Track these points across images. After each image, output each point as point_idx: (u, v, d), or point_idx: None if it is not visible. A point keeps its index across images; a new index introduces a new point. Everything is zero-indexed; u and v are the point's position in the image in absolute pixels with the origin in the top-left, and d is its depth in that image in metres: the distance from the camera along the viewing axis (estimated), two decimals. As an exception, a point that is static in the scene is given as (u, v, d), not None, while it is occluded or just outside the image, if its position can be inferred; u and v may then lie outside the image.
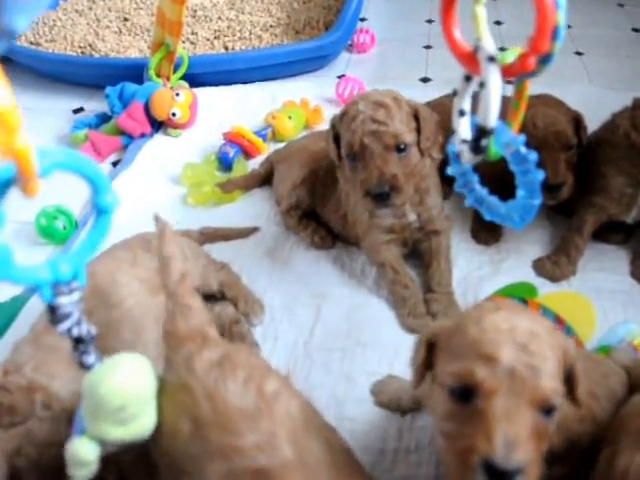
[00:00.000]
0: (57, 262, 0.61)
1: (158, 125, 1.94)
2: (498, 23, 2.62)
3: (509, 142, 0.76)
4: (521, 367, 0.65)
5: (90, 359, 0.67)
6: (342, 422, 1.10)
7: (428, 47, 2.45)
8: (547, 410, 0.66)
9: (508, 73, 0.71)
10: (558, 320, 1.21)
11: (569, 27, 2.63)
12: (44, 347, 1.00)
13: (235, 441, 0.67)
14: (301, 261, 1.46)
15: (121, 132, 1.89)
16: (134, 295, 1.11)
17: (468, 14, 0.71)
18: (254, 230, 1.54)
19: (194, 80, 2.04)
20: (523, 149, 0.75)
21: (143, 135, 1.89)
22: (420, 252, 1.40)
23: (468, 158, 0.79)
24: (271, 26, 2.47)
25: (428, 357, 0.77)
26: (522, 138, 0.75)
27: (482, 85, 0.71)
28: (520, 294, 1.27)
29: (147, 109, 1.89)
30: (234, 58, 2.11)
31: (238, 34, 2.41)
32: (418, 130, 1.25)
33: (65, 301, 0.63)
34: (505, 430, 0.62)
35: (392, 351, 1.24)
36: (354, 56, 2.43)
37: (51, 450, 0.84)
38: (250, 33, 2.41)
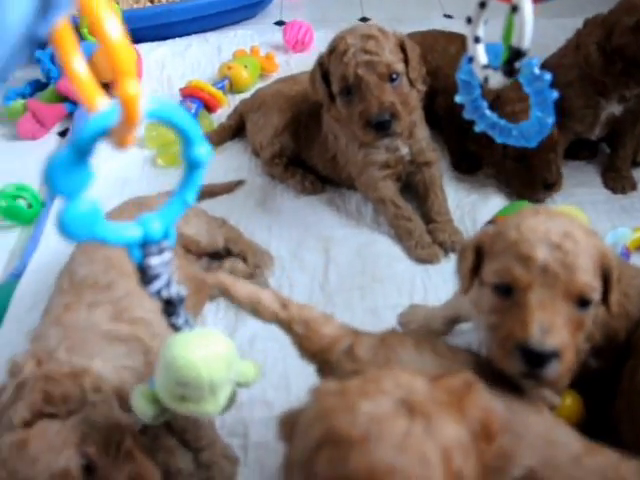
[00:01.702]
0: (148, 220, 0.59)
1: (103, 86, 1.84)
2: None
3: (523, 64, 0.78)
4: (554, 264, 0.71)
5: (179, 320, 0.66)
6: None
7: (359, -14, 2.46)
8: (582, 302, 0.73)
9: None
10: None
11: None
12: (70, 327, 0.95)
13: None
14: (295, 208, 1.47)
15: (63, 98, 1.78)
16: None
17: None
18: (240, 183, 1.52)
19: (129, 36, 1.94)
20: (537, 70, 0.79)
21: (88, 99, 1.79)
22: (414, 185, 1.45)
23: (498, 81, 0.81)
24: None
25: (476, 262, 0.82)
26: (536, 59, 0.79)
27: (514, 9, 0.73)
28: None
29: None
30: (170, 10, 2.03)
31: (160, -15, 2.31)
32: (405, 61, 1.28)
33: (155, 262, 0.61)
34: (540, 318, 0.70)
35: (409, 283, 1.29)
36: (286, 1, 2.40)
37: (114, 431, 0.82)
38: (173, -17, 2.32)
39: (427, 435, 0.53)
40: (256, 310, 0.87)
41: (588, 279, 0.73)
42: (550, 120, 0.85)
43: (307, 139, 1.48)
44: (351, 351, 0.79)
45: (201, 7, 2.06)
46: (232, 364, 0.71)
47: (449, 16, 2.27)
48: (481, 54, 0.83)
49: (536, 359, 0.71)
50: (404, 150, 1.38)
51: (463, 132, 1.44)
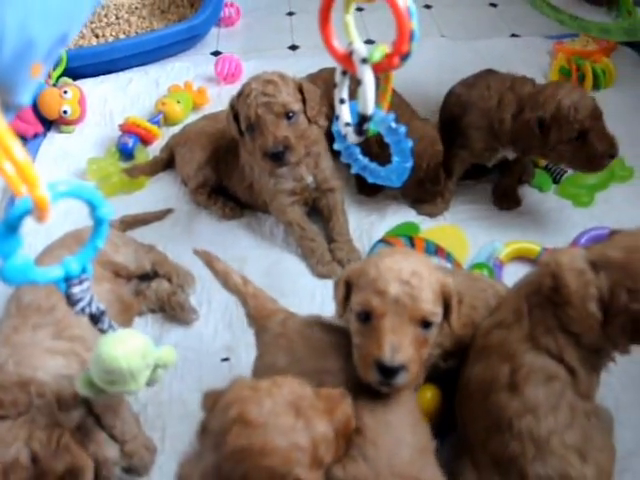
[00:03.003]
0: (69, 262, 0.84)
1: (49, 123, 2.08)
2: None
3: (381, 120, 0.99)
4: (403, 296, 0.96)
5: (104, 326, 0.91)
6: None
7: (291, 14, 2.70)
8: (425, 325, 0.98)
9: (378, 70, 0.92)
10: (439, 249, 1.56)
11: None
12: (18, 345, 1.19)
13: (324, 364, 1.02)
14: (216, 232, 1.71)
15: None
16: (84, 285, 1.33)
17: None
18: (169, 211, 1.76)
19: (74, 73, 2.17)
20: (394, 124, 0.97)
21: (36, 135, 2.02)
22: (319, 209, 1.70)
23: (353, 138, 1.01)
24: (136, 8, 2.62)
25: (346, 292, 1.06)
26: (392, 115, 0.99)
27: (359, 82, 0.92)
28: (406, 232, 1.61)
29: (35, 109, 2.02)
30: (112, 48, 2.27)
31: (105, 20, 2.54)
32: (304, 101, 1.53)
33: (77, 290, 0.86)
34: (391, 340, 0.94)
35: (309, 296, 1.54)
36: (223, 30, 2.63)
37: (55, 429, 1.08)
38: (117, 17, 2.55)
39: (304, 430, 0.81)
40: (225, 281, 1.29)
41: (429, 307, 0.97)
42: (408, 165, 1.04)
43: (227, 170, 1.73)
44: (284, 322, 1.15)
45: (142, 43, 2.29)
46: (147, 354, 0.96)
47: (371, 41, 2.52)
48: (345, 113, 1.00)
49: (388, 372, 0.94)
50: (309, 179, 1.63)
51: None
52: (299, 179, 1.62)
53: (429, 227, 1.68)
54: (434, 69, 2.28)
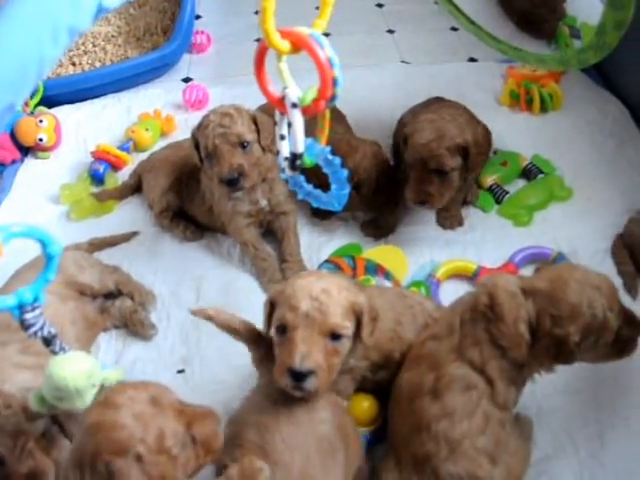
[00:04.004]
0: (22, 291, 1.01)
1: (26, 149, 2.25)
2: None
3: (319, 153, 1.08)
4: (313, 311, 1.13)
5: (56, 348, 1.08)
6: (230, 370, 1.57)
7: (259, 40, 2.85)
8: (334, 337, 1.15)
9: (307, 112, 1.03)
10: (379, 268, 1.72)
11: (380, 6, 3.16)
12: None
13: None
14: (178, 253, 1.89)
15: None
16: (49, 306, 1.49)
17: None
18: (135, 234, 1.94)
19: (51, 101, 2.35)
20: (330, 156, 1.07)
21: (14, 161, 2.19)
22: (274, 230, 1.87)
23: (289, 172, 1.12)
24: (112, 36, 2.80)
25: (271, 311, 1.23)
26: (329, 148, 1.07)
27: (289, 124, 1.05)
28: (349, 253, 1.78)
29: (12, 136, 2.19)
30: (87, 77, 2.45)
31: (82, 47, 2.71)
32: (259, 132, 1.70)
33: (29, 316, 1.03)
34: (301, 349, 1.11)
35: (260, 312, 1.69)
36: (194, 57, 2.80)
37: (21, 436, 1.24)
38: (94, 45, 2.73)
39: (155, 418, 0.97)
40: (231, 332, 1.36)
41: (337, 320, 1.14)
42: (345, 192, 1.15)
43: (188, 195, 1.90)
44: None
45: (115, 72, 2.47)
46: (93, 375, 1.11)
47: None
48: (284, 148, 1.06)
49: (298, 376, 1.12)
50: (263, 202, 1.80)
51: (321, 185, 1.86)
52: (255, 202, 1.79)
53: (372, 247, 1.85)
54: (390, 94, 2.45)
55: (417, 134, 1.75)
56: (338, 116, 2.14)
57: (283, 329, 1.16)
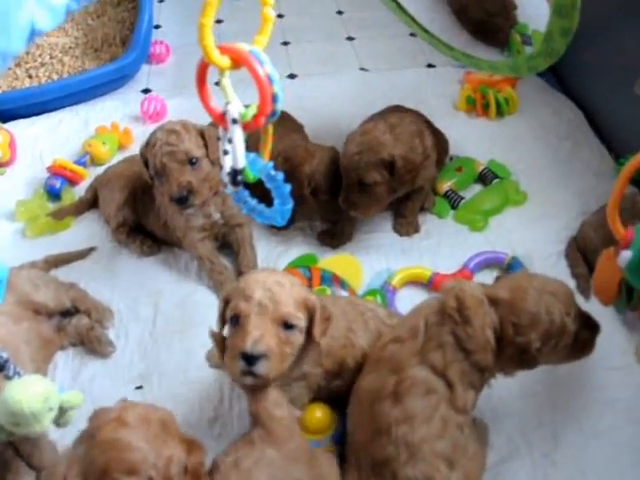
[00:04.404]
0: None
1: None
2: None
3: (262, 168, 1.10)
4: (266, 300, 1.17)
5: (9, 373, 1.09)
6: (187, 384, 1.59)
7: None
8: (287, 326, 1.19)
9: (247, 128, 1.06)
10: (335, 278, 1.75)
11: (340, 13, 3.19)
12: None
13: None
14: (135, 268, 1.89)
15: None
16: (1, 327, 1.50)
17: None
18: (91, 250, 1.94)
19: (5, 115, 2.34)
20: (273, 172, 1.09)
21: (-31, 177, 2.18)
22: (229, 243, 1.89)
23: (231, 187, 1.15)
24: (70, 47, 2.79)
25: (225, 309, 1.25)
26: (271, 164, 1.09)
27: (229, 141, 1.07)
28: (305, 263, 1.80)
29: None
30: (44, 90, 2.44)
31: (39, 59, 2.69)
32: (207, 146, 1.72)
33: None
34: (253, 334, 1.14)
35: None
36: (153, 67, 2.80)
37: None
38: (51, 57, 2.71)
39: (165, 445, 1.02)
40: None
41: (288, 310, 1.19)
42: (288, 207, 1.16)
43: (144, 210, 1.91)
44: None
45: (72, 85, 2.46)
46: (50, 398, 1.13)
47: (293, 75, 2.73)
48: (227, 163, 1.08)
49: (250, 359, 1.15)
50: (217, 216, 1.82)
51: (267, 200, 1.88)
52: (208, 216, 1.81)
53: (328, 257, 1.87)
54: (349, 102, 2.48)
55: (347, 144, 1.82)
56: (295, 126, 2.17)
57: (236, 319, 1.19)
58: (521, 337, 1.24)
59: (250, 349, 1.14)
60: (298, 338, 1.22)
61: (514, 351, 1.25)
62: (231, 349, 1.19)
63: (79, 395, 1.24)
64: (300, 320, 1.21)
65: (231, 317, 1.21)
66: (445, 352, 1.24)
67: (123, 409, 1.05)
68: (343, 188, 1.81)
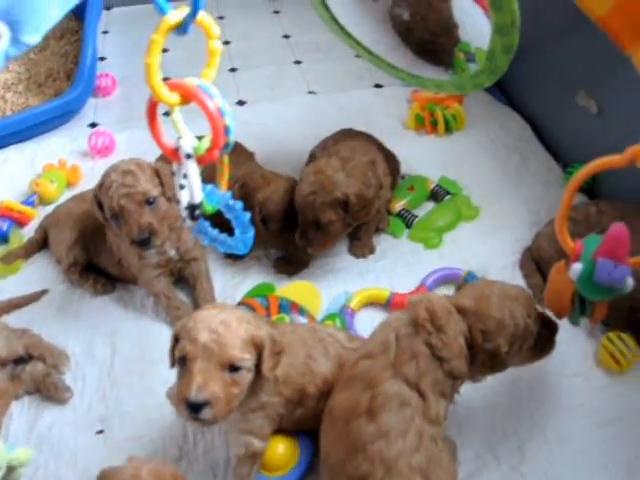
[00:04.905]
0: None
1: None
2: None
3: (220, 199, 1.11)
4: (211, 343, 1.16)
5: None
6: (149, 424, 1.57)
7: (166, 79, 2.86)
8: (232, 369, 1.18)
9: (201, 162, 1.03)
10: (293, 305, 1.76)
11: (287, 37, 3.23)
12: None
13: None
14: (90, 309, 1.86)
15: None
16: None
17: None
18: (43, 293, 1.90)
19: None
20: (231, 202, 1.12)
21: None
22: (185, 277, 1.88)
23: (189, 222, 1.14)
24: (12, 84, 2.75)
25: (175, 347, 1.24)
26: (229, 194, 1.11)
27: (185, 175, 1.06)
28: (262, 293, 1.80)
29: None
30: (-14, 128, 2.40)
31: (-19, 97, 2.67)
32: (162, 184, 1.71)
33: None
34: (197, 380, 1.14)
35: (177, 361, 1.71)
36: (100, 100, 2.78)
37: None
38: (-7, 95, 2.68)
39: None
40: None
41: (235, 352, 1.18)
42: (250, 234, 1.19)
43: (96, 248, 1.89)
44: None
45: (16, 122, 2.42)
46: None
47: (242, 102, 2.74)
48: (184, 198, 1.08)
49: (194, 407, 1.15)
50: (172, 252, 1.80)
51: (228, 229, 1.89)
52: (163, 253, 1.79)
53: (285, 284, 1.88)
54: (299, 126, 2.51)
55: (300, 184, 1.83)
56: (247, 154, 2.18)
57: (184, 361, 1.19)
58: (490, 343, 1.29)
59: (194, 397, 1.14)
60: (245, 377, 1.22)
61: (485, 357, 1.30)
62: (178, 393, 1.19)
63: (28, 452, 1.23)
64: (247, 361, 1.21)
65: (179, 358, 1.21)
66: (419, 362, 1.25)
67: (137, 468, 1.08)
68: (299, 226, 1.83)
